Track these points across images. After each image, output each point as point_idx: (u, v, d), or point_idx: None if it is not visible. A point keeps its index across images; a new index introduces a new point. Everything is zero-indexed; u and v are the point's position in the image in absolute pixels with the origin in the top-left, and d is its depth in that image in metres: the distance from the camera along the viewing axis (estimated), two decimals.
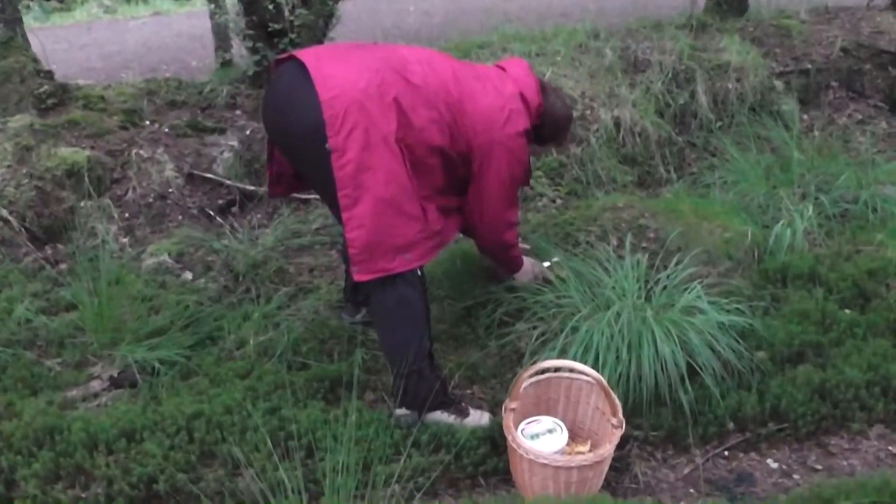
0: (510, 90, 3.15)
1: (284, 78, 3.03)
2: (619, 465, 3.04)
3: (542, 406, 3.09)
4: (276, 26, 5.56)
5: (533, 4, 5.64)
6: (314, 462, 2.91)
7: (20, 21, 5.28)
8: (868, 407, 3.23)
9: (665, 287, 3.49)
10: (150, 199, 4.86)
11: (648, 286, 3.50)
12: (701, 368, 3.15)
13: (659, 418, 3.15)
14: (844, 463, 3.07)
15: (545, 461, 2.72)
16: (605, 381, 2.80)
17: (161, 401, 3.29)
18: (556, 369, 3.02)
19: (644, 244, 3.88)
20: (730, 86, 5.25)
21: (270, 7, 5.54)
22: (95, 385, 3.51)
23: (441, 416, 3.14)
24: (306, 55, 3.03)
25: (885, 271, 3.82)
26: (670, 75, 5.18)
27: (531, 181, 3.92)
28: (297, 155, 3.11)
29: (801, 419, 3.16)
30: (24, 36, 5.26)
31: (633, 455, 3.09)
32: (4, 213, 4.52)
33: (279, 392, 3.26)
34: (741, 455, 3.12)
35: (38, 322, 3.79)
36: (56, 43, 6.34)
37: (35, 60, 5.25)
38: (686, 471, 3.04)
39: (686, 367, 3.14)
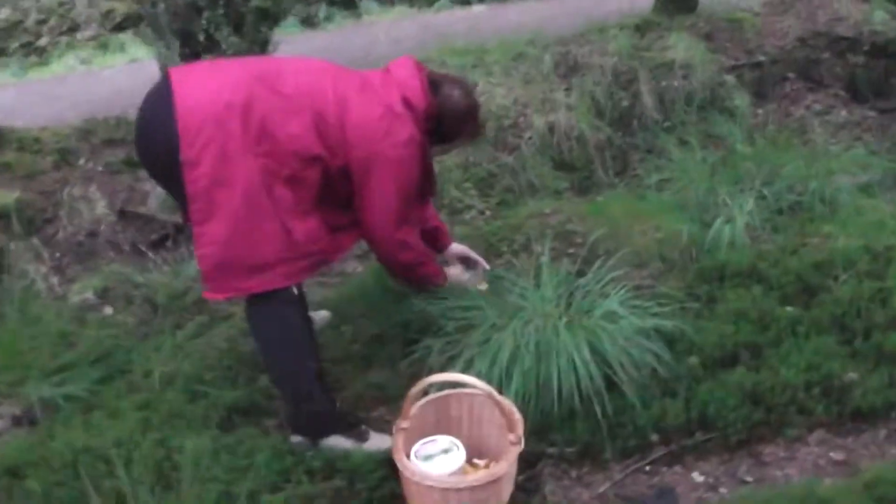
0: (393, 96, 2.94)
1: (149, 96, 2.87)
2: (529, 485, 2.81)
3: (442, 425, 2.86)
4: (210, 56, 5.41)
5: (508, 28, 5.47)
6: (202, 491, 2.71)
7: None
8: (807, 410, 2.98)
9: (587, 293, 3.27)
10: (81, 238, 4.71)
11: (569, 294, 3.28)
12: (619, 378, 2.92)
13: (574, 433, 2.92)
14: (779, 473, 2.81)
15: (431, 483, 2.51)
16: (496, 395, 2.58)
17: (54, 437, 3.11)
18: (448, 385, 2.80)
19: (571, 250, 3.68)
20: (676, 84, 5.04)
21: (201, 39, 5.39)
22: None
23: (338, 441, 2.94)
24: (177, 70, 2.90)
25: (832, 263, 3.58)
26: (611, 77, 4.98)
27: (439, 190, 3.74)
28: (157, 173, 2.95)
29: (731, 427, 2.91)
30: None
31: (545, 474, 2.85)
32: None
33: (173, 422, 3.07)
34: (664, 469, 2.87)
35: None
36: (30, 96, 6.32)
37: None
38: (602, 488, 2.80)
39: (604, 377, 2.92)
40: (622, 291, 3.23)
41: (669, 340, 3.14)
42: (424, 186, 3.18)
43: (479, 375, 2.88)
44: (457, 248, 3.55)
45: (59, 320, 3.94)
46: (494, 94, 4.75)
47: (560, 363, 2.91)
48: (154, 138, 2.82)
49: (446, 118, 3.06)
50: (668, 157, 4.56)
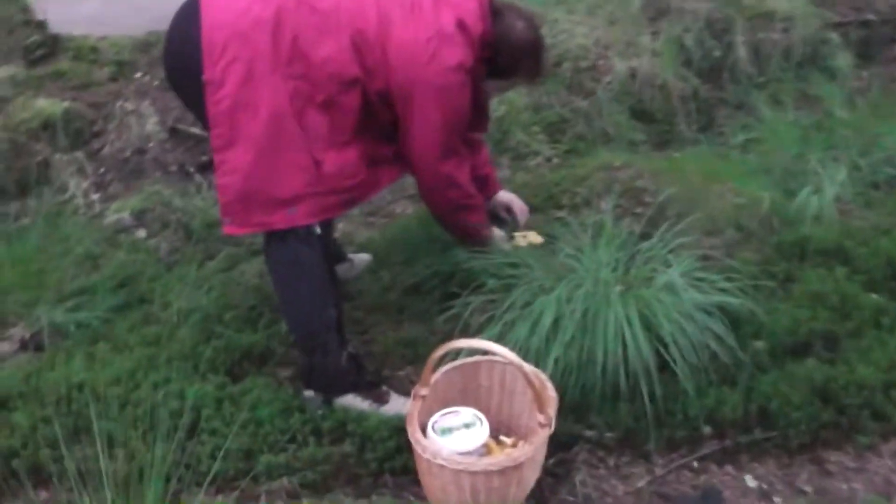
0: (445, 19, 2.62)
1: (180, 9, 2.62)
2: (560, 470, 2.52)
3: (469, 395, 2.57)
4: None
5: None
6: (196, 444, 2.50)
7: None
8: (883, 416, 2.61)
9: (649, 259, 2.93)
10: (127, 154, 4.52)
11: (629, 258, 2.94)
12: (672, 359, 2.58)
13: (616, 416, 2.61)
14: (844, 486, 2.46)
15: (442, 462, 2.22)
16: (526, 367, 2.27)
17: (54, 367, 2.91)
18: (472, 351, 2.50)
19: (638, 209, 3.32)
20: (775, 37, 4.58)
21: None
22: (4, 347, 3.22)
23: (353, 401, 2.68)
24: None
25: None
26: (703, 24, 4.54)
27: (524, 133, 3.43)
28: (183, 94, 2.73)
29: (794, 426, 2.56)
30: None
31: (579, 460, 2.55)
32: None
33: (180, 363, 2.84)
34: (713, 467, 2.54)
35: None
36: (117, 6, 6.07)
37: (25, 10, 4.96)
38: (640, 483, 2.49)
39: (656, 356, 2.58)
40: (688, 261, 2.88)
41: (735, 321, 2.78)
42: (476, 120, 2.87)
43: (516, 342, 2.61)
44: (504, 195, 3.27)
45: (88, 240, 3.78)
46: (574, 33, 4.38)
47: (608, 335, 2.58)
48: (178, 55, 2.61)
49: (504, 50, 2.74)
50: (758, 115, 4.14)
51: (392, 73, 2.58)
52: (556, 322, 2.62)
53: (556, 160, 3.95)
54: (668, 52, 4.33)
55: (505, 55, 2.75)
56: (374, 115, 2.66)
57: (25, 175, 4.30)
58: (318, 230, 2.63)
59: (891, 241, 3.15)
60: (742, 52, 4.49)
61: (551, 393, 2.40)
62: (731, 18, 4.57)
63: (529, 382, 2.26)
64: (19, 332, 3.25)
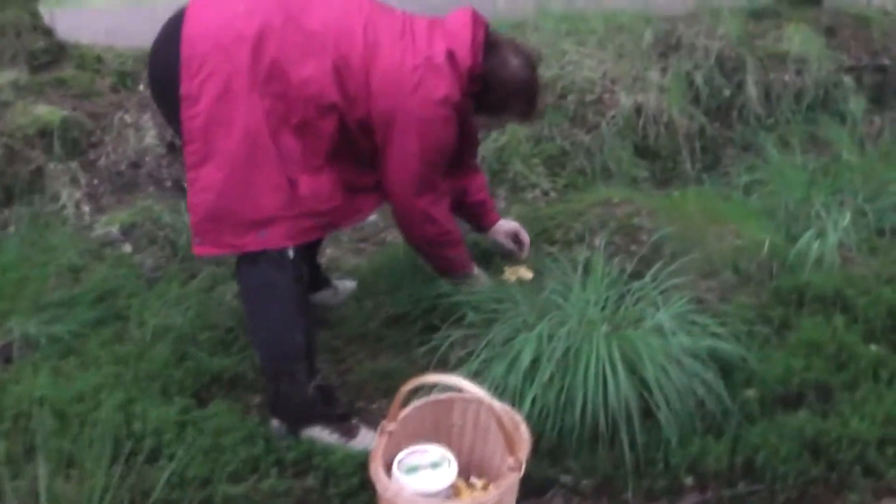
0: (437, 48, 2.53)
1: (167, 21, 2.53)
2: None
3: (441, 432, 2.45)
4: None
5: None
6: (154, 469, 2.39)
7: None
8: (876, 473, 2.47)
9: (639, 299, 2.82)
10: (123, 167, 4.45)
11: (619, 297, 2.83)
12: (656, 404, 2.47)
13: (594, 462, 2.49)
14: None
15: (404, 503, 2.11)
16: (497, 407, 2.15)
17: (19, 381, 2.82)
18: (447, 387, 2.39)
19: (633, 247, 3.21)
20: (787, 78, 4.48)
21: None
22: None
23: (321, 433, 2.58)
24: None
25: None
26: (714, 62, 4.44)
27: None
28: (163, 109, 2.65)
29: (781, 480, 2.44)
30: None
31: None
32: None
33: (146, 383, 2.74)
34: None
35: None
36: (138, 19, 6.02)
37: (34, 15, 4.90)
38: None
39: (639, 401, 2.47)
40: (679, 303, 2.77)
41: (726, 367, 2.68)
42: (462, 154, 2.78)
43: (494, 379, 2.51)
44: (507, 224, 3.17)
45: (73, 252, 3.69)
46: (582, 66, 4.28)
47: (588, 377, 2.47)
48: (159, 68, 2.53)
49: (494, 86, 2.65)
50: (765, 157, 4.03)
51: (374, 99, 2.50)
52: (536, 361, 2.52)
53: (553, 194, 3.86)
54: (676, 89, 4.24)
55: (495, 92, 2.67)
56: (354, 143, 2.57)
57: (17, 182, 4.24)
58: (292, 254, 2.53)
59: (893, 291, 3.03)
60: (752, 91, 4.40)
61: (524, 434, 2.28)
62: (742, 57, 4.48)
63: (499, 423, 2.14)
64: None
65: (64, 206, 4.17)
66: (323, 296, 3.25)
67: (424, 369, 2.79)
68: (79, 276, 3.57)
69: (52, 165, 4.30)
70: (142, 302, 3.28)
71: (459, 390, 2.29)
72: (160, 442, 2.51)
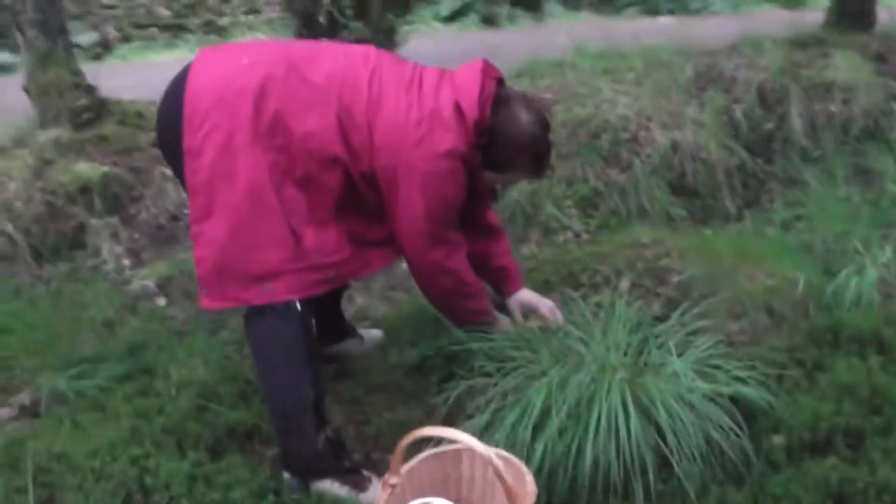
0: (444, 100, 2.50)
1: (174, 77, 2.56)
2: None
3: (451, 485, 2.40)
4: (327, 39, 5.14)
5: (693, 40, 4.90)
6: None
7: (65, 33, 5.07)
8: None
9: (662, 344, 2.73)
10: (162, 221, 4.52)
11: (642, 341, 2.75)
12: (672, 453, 2.38)
13: None
14: None
15: None
16: (496, 459, 2.09)
17: (40, 436, 2.86)
18: (441, 440, 2.33)
19: (660, 289, 3.12)
20: (832, 108, 4.35)
21: (322, 20, 5.12)
22: (4, 413, 3.17)
23: (331, 487, 2.54)
24: (208, 49, 2.62)
25: None
26: (755, 95, 4.33)
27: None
28: (170, 163, 2.63)
29: None
30: (66, 48, 5.03)
31: None
32: (9, 227, 4.29)
33: (162, 437, 2.74)
34: None
35: None
36: None
37: (76, 74, 5.02)
38: None
39: (654, 450, 2.38)
40: (704, 346, 2.68)
41: (751, 413, 2.57)
42: (474, 209, 2.75)
43: (505, 430, 2.44)
44: (524, 296, 3.03)
45: (107, 307, 3.73)
46: (617, 103, 4.21)
47: (600, 426, 2.39)
48: (165, 124, 2.53)
49: (500, 142, 2.59)
50: (806, 191, 3.89)
51: (377, 153, 2.47)
52: (548, 410, 2.44)
53: (585, 236, 3.78)
54: (713, 124, 4.14)
55: (500, 148, 2.60)
56: (361, 196, 2.54)
57: (60, 238, 4.33)
58: (299, 307, 2.50)
59: None
60: (797, 123, 4.27)
61: (530, 487, 2.21)
62: (786, 88, 4.36)
63: (499, 476, 2.08)
64: (22, 398, 3.20)
65: (104, 261, 4.24)
66: (349, 345, 3.22)
67: (440, 419, 2.75)
68: (113, 330, 3.61)
69: (93, 221, 4.38)
70: (169, 355, 3.28)
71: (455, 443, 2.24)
72: (170, 497, 2.49)
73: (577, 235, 3.78)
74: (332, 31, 5.12)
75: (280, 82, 2.41)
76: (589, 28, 6.29)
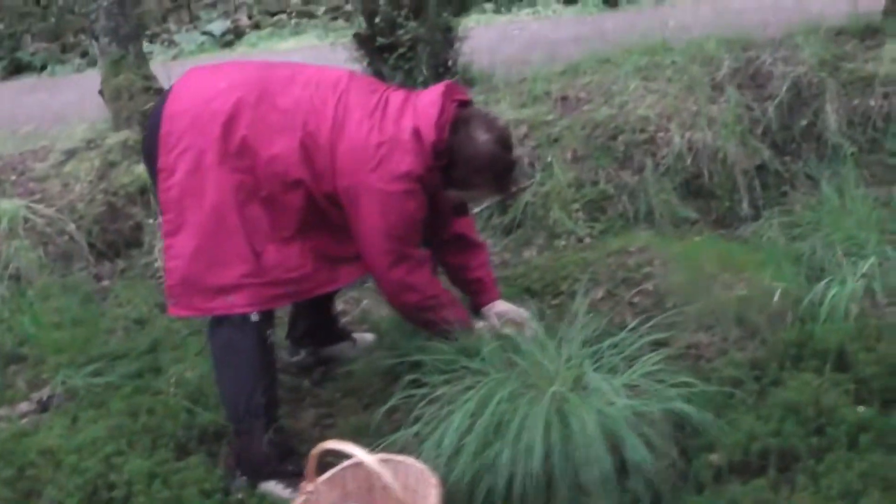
0: (404, 124, 2.63)
1: (159, 97, 2.79)
2: None
3: (376, 494, 2.51)
4: (384, 40, 5.25)
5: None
6: None
7: (137, 38, 5.39)
8: None
9: (618, 355, 2.76)
10: None
11: (595, 354, 2.78)
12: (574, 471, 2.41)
13: None
14: None
15: None
16: (386, 476, 2.19)
17: (36, 432, 3.13)
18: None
19: (635, 299, 3.13)
20: (872, 103, 4.17)
21: (377, 21, 5.24)
22: (23, 407, 3.44)
23: (275, 488, 2.72)
24: (194, 70, 2.83)
25: None
26: (791, 89, 4.20)
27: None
28: (149, 176, 2.83)
29: None
30: (138, 53, 5.34)
31: None
32: (71, 227, 4.61)
33: (140, 436, 2.97)
34: None
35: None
36: None
37: (146, 78, 5.32)
38: None
39: (571, 467, 2.43)
40: (658, 360, 2.69)
41: (692, 431, 2.57)
42: (437, 228, 2.89)
43: (435, 441, 2.53)
44: (498, 307, 3.09)
45: (143, 305, 3.99)
46: (641, 103, 4.17)
47: (520, 440, 2.45)
48: (145, 142, 2.80)
49: (459, 162, 2.70)
50: (820, 193, 3.76)
51: (339, 175, 2.62)
52: (468, 425, 2.52)
53: (588, 240, 3.78)
54: (733, 123, 4.04)
55: (460, 167, 2.70)
56: (326, 215, 2.70)
57: (119, 238, 4.62)
58: (255, 318, 2.68)
59: None
60: (831, 120, 4.12)
61: (433, 500, 2.30)
62: (823, 83, 4.21)
63: (387, 488, 2.19)
64: (43, 393, 3.47)
65: (156, 259, 4.50)
66: (342, 348, 3.38)
67: (394, 424, 2.86)
68: (143, 328, 3.86)
69: (150, 221, 4.64)
70: (179, 355, 3.50)
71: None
72: (129, 493, 2.70)
73: (580, 240, 3.79)
74: (392, 30, 5.22)
75: (251, 108, 2.59)
76: (711, 7, 6.11)
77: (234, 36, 12.36)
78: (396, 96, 2.73)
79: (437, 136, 2.62)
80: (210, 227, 2.59)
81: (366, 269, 2.84)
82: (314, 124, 2.61)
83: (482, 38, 7.76)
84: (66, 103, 6.79)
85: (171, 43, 11.83)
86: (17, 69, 11.30)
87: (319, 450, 2.32)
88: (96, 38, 5.28)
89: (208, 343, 2.80)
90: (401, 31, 5.19)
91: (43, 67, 10.95)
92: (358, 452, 2.20)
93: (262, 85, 2.65)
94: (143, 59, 5.40)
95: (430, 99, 2.69)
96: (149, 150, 2.71)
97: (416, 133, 2.62)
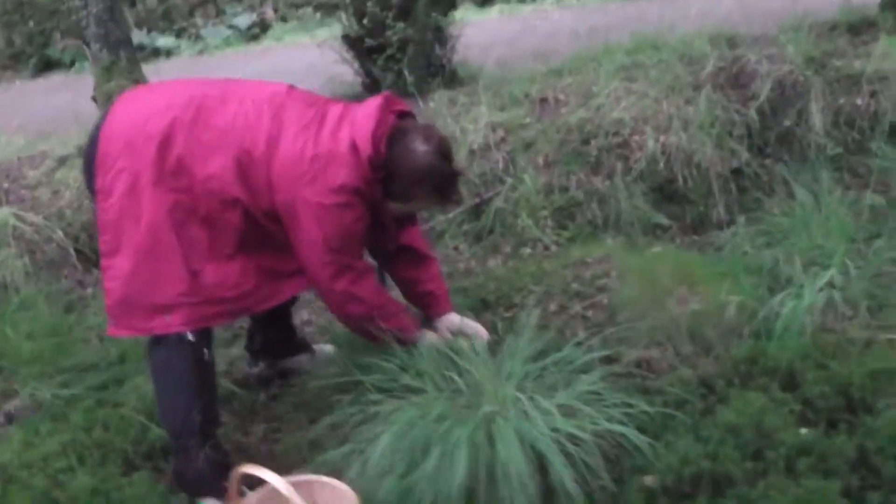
0: (341, 137, 2.61)
1: (98, 117, 2.81)
2: None
3: None
4: (373, 41, 5.24)
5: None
6: None
7: (128, 44, 5.42)
8: None
9: (559, 372, 2.72)
10: None
11: (538, 370, 2.74)
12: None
13: None
14: None
15: None
16: (294, 496, 2.19)
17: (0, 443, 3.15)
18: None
19: (588, 312, 3.08)
20: (859, 101, 4.05)
21: (365, 22, 5.23)
22: None
23: None
24: (134, 90, 2.93)
25: None
26: (774, 89, 4.09)
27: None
28: (90, 195, 2.82)
29: None
30: (129, 59, 5.38)
31: None
32: (59, 234, 4.65)
33: (90, 451, 2.98)
34: None
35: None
36: None
37: (138, 83, 5.35)
38: None
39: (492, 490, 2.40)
40: (596, 379, 2.64)
41: (625, 453, 2.52)
42: (379, 240, 2.86)
43: (363, 461, 2.52)
44: (449, 320, 3.05)
45: None
46: (617, 105, 4.09)
47: (444, 463, 2.42)
48: (84, 162, 2.78)
49: (397, 174, 2.67)
50: (800, 197, 3.66)
51: (275, 191, 2.61)
52: (393, 445, 2.50)
53: (554, 248, 3.72)
54: (709, 125, 3.95)
55: (398, 179, 2.68)
56: (267, 231, 2.69)
57: None
58: (191, 337, 2.68)
59: (857, 364, 2.70)
60: (816, 120, 4.02)
61: None
62: (808, 82, 4.10)
63: None
64: (13, 405, 3.50)
65: None
66: (299, 360, 3.37)
67: (333, 440, 2.84)
68: (115, 338, 3.86)
69: None
70: (142, 367, 3.50)
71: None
72: None
73: (547, 248, 3.73)
74: (381, 31, 5.21)
75: (186, 127, 2.59)
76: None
77: (259, 30, 12.43)
78: (335, 109, 2.71)
79: (373, 148, 2.60)
80: (146, 247, 2.59)
81: (307, 284, 2.82)
82: (249, 141, 2.60)
83: (504, 30, 7.72)
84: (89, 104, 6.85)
85: (198, 37, 11.91)
86: (47, 66, 11.50)
87: (237, 474, 2.32)
88: (87, 45, 5.32)
89: (147, 363, 2.79)
90: (389, 32, 5.17)
91: (72, 63, 11.10)
92: (271, 477, 2.19)
93: (197, 103, 2.63)
94: (135, 64, 5.44)
95: (367, 111, 2.66)
96: (87, 170, 2.71)
97: (353, 146, 2.60)
